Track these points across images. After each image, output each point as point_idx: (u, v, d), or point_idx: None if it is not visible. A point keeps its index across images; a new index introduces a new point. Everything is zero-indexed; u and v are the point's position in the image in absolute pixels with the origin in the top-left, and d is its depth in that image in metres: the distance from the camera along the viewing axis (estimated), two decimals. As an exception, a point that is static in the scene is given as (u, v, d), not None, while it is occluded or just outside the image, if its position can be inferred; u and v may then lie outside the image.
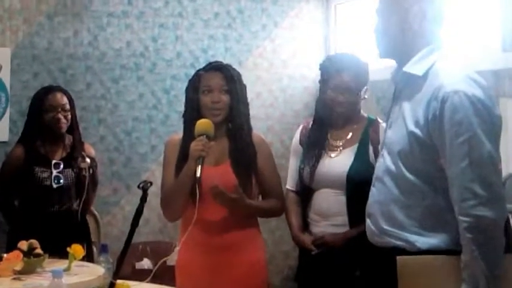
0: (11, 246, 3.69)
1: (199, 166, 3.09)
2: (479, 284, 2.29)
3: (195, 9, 5.81)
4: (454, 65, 2.50)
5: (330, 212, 3.56)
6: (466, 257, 2.31)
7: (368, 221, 2.66)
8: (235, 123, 3.36)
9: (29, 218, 4.16)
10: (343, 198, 3.51)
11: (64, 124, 4.25)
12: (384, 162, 2.57)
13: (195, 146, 3.12)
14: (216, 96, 3.30)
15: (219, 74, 3.35)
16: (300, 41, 6.05)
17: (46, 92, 4.33)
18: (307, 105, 5.86)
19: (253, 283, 3.38)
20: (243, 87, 3.43)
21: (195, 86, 3.38)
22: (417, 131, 2.42)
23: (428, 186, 2.44)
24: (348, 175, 3.49)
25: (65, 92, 4.38)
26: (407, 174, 2.46)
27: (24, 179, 4.20)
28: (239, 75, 3.43)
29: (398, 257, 2.43)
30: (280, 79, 6.03)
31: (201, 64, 5.68)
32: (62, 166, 4.24)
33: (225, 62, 3.62)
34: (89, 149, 4.48)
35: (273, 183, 3.46)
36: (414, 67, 2.52)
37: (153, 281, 3.27)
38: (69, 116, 4.29)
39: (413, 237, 2.45)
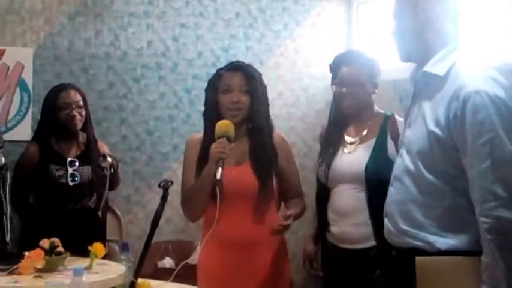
0: (24, 244, 3.73)
1: (220, 168, 3.08)
2: (499, 286, 2.26)
3: (216, 9, 5.81)
4: (475, 65, 2.47)
5: (349, 209, 3.54)
6: (487, 258, 2.28)
7: (386, 220, 2.64)
8: (255, 124, 3.34)
9: (45, 215, 4.16)
10: (362, 195, 3.49)
11: (79, 121, 4.25)
12: (403, 161, 2.55)
13: (215, 148, 3.11)
14: (236, 96, 3.29)
15: (239, 73, 3.34)
16: (322, 40, 6.03)
17: (59, 90, 4.33)
18: (329, 104, 5.79)
19: (275, 283, 3.37)
20: (264, 88, 3.41)
21: (214, 85, 3.37)
22: (438, 130, 2.40)
23: (447, 187, 2.42)
24: (366, 170, 3.47)
25: (78, 89, 4.38)
26: (427, 174, 2.44)
27: (39, 177, 4.20)
28: (260, 75, 3.41)
29: (417, 258, 2.42)
30: (301, 78, 6.02)
31: (222, 64, 5.67)
32: (77, 164, 4.23)
33: (246, 61, 3.61)
34: (103, 147, 4.47)
35: (294, 183, 3.47)
36: (435, 67, 2.50)
37: (175, 280, 3.28)
38: (83, 113, 4.29)
39: (432, 238, 2.43)
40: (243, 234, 3.29)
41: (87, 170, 4.27)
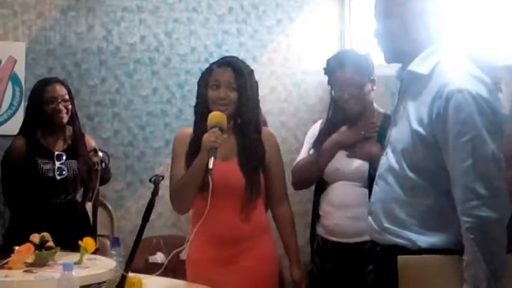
0: (12, 238, 3.73)
1: (212, 158, 3.08)
2: (480, 286, 2.26)
3: (209, 4, 5.81)
4: (458, 63, 2.48)
5: (347, 202, 3.54)
6: (468, 257, 2.29)
7: (370, 218, 2.64)
8: (243, 120, 3.34)
9: (32, 209, 4.15)
10: (363, 190, 3.49)
11: (65, 114, 4.22)
12: (388, 160, 2.55)
13: (207, 137, 3.11)
14: (223, 92, 3.28)
15: (229, 70, 3.33)
16: (315, 36, 6.04)
17: (45, 83, 4.30)
18: (321, 100, 5.85)
19: (264, 275, 3.37)
20: (254, 84, 3.40)
21: (205, 79, 3.37)
22: (421, 129, 2.39)
23: (430, 185, 2.42)
24: (369, 169, 3.48)
25: (63, 83, 4.35)
26: (410, 173, 2.44)
27: (26, 170, 4.18)
28: (251, 71, 3.40)
29: (399, 257, 2.42)
30: (294, 74, 6.03)
31: (215, 59, 5.64)
32: (64, 158, 4.22)
33: (240, 57, 3.60)
34: (90, 141, 4.44)
35: (279, 181, 3.43)
36: (419, 66, 2.49)
37: (166, 274, 3.28)
38: (70, 107, 4.26)
39: (414, 236, 2.43)
40: (230, 229, 3.29)
41: (74, 164, 4.25)
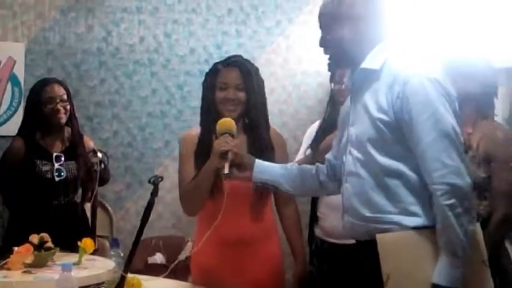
0: (10, 239, 3.73)
1: (227, 163, 3.03)
2: (456, 250, 2.37)
3: (209, 5, 5.81)
4: (407, 55, 2.61)
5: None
6: (442, 224, 2.40)
7: (345, 217, 2.69)
8: (252, 120, 3.33)
9: (30, 210, 4.14)
10: None
11: (63, 115, 4.21)
12: (353, 157, 2.63)
13: (218, 143, 3.05)
14: (232, 93, 3.27)
15: (236, 70, 3.32)
16: (314, 38, 5.98)
17: (43, 84, 4.29)
18: (321, 101, 5.84)
19: (269, 277, 3.36)
20: (260, 83, 3.40)
21: (211, 80, 3.35)
22: (383, 115, 2.50)
23: (402, 165, 2.52)
24: None
25: (62, 84, 4.34)
26: (380, 158, 2.53)
27: (25, 172, 4.18)
28: (257, 70, 3.40)
29: (377, 235, 2.49)
30: (294, 75, 6.02)
31: (215, 60, 5.63)
32: (63, 159, 4.21)
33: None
34: (88, 142, 4.43)
35: None
36: (371, 63, 2.60)
37: (167, 275, 3.29)
38: (68, 107, 4.25)
39: (398, 217, 2.51)
40: (238, 231, 3.27)
41: (72, 165, 4.24)
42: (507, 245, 3.46)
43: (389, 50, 2.61)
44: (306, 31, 6.00)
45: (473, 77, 3.40)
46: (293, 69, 6.02)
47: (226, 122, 3.10)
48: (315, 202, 3.75)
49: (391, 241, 2.48)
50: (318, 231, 3.71)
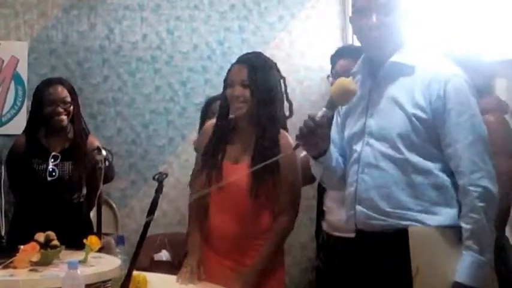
0: (12, 237, 3.73)
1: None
2: (486, 252, 2.44)
3: (211, 2, 5.81)
4: (438, 56, 2.69)
5: None
6: (474, 226, 2.45)
7: (359, 207, 2.67)
8: (257, 120, 3.26)
9: (28, 209, 4.13)
10: None
11: (64, 117, 4.17)
12: (373, 149, 2.62)
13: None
14: (237, 90, 3.24)
15: (244, 66, 3.29)
16: (317, 32, 6.02)
17: (47, 85, 4.25)
18: (324, 96, 5.81)
19: (269, 277, 3.33)
20: (271, 80, 3.31)
21: (225, 78, 3.35)
22: (419, 112, 2.53)
23: (431, 164, 2.54)
24: None
25: (66, 85, 4.29)
26: (408, 154, 2.54)
27: (22, 169, 4.17)
28: (269, 67, 3.34)
29: (410, 228, 2.51)
30: (297, 70, 6.01)
31: (218, 56, 5.72)
32: (59, 159, 4.18)
33: (241, 54, 3.57)
34: (93, 142, 4.38)
35: (283, 190, 3.26)
36: (404, 57, 2.62)
37: (172, 272, 3.29)
38: (70, 109, 4.22)
39: (421, 216, 2.53)
40: (237, 225, 3.26)
41: (67, 165, 4.21)
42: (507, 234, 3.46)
43: (419, 50, 2.67)
44: (308, 26, 5.99)
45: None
46: (296, 64, 6.00)
47: (345, 82, 2.73)
48: (321, 196, 3.74)
49: (423, 234, 2.51)
50: (324, 226, 3.71)
